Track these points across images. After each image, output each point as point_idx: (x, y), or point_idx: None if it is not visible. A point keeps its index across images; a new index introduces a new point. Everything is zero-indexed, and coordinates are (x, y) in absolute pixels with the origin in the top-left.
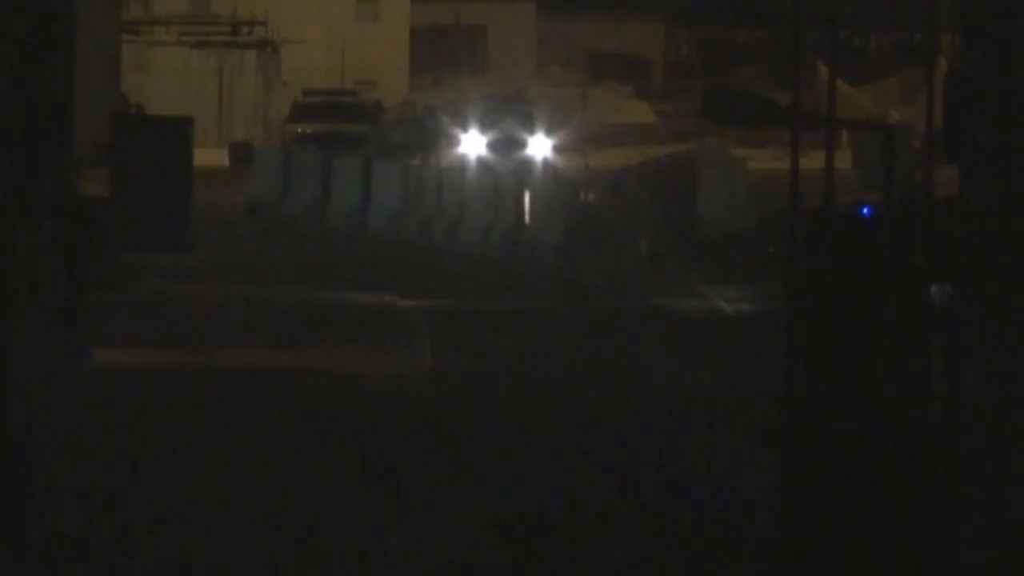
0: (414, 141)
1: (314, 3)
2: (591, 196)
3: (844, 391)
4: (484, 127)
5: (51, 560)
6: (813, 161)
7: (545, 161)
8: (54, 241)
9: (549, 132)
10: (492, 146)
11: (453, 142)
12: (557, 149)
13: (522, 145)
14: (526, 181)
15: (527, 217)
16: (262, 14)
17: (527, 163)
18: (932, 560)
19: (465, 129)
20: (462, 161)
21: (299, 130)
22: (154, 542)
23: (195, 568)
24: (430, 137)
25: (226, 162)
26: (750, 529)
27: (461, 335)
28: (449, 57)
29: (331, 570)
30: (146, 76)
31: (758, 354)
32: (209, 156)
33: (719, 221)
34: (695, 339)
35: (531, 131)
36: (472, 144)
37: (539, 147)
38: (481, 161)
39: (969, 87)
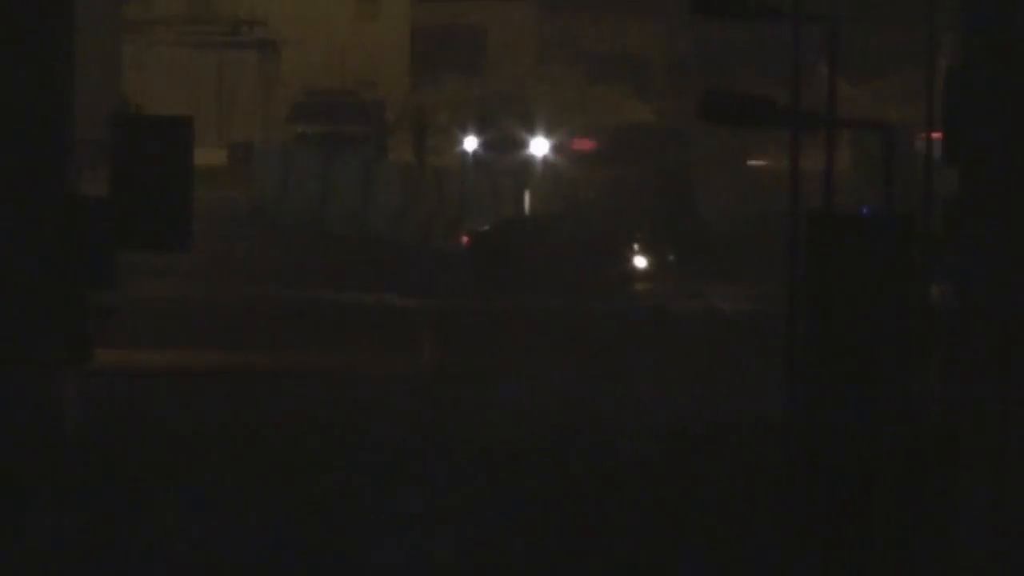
0: (414, 141)
1: (314, 3)
2: (591, 196)
3: (844, 390)
4: (483, 127)
5: (51, 560)
6: (814, 162)
7: (545, 161)
8: (54, 241)
9: (549, 132)
10: (492, 146)
11: (453, 142)
12: (557, 149)
13: (522, 145)
14: (526, 181)
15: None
16: (262, 14)
17: (527, 163)
18: (932, 560)
19: (465, 129)
20: (462, 161)
21: (299, 130)
22: (154, 541)
23: (195, 565)
24: (429, 137)
25: (226, 162)
26: (749, 531)
27: (461, 334)
28: (449, 57)
29: (330, 568)
30: (146, 76)
31: (757, 353)
32: (209, 156)
33: (719, 221)
34: (694, 339)
35: (531, 131)
36: (472, 144)
37: (539, 147)
38: (481, 161)
39: (969, 87)
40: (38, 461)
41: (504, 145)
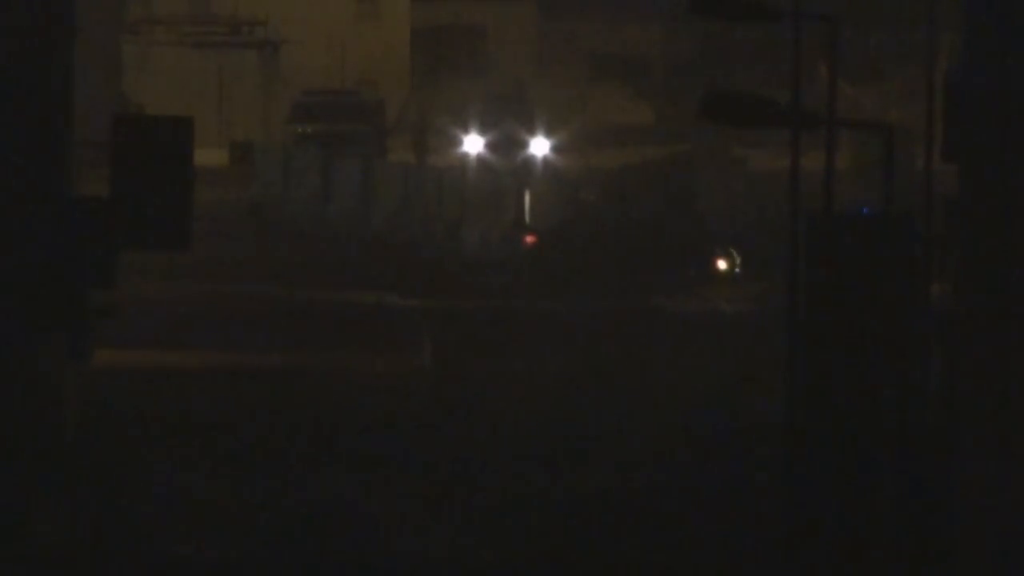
0: (414, 141)
1: (314, 3)
2: (591, 196)
3: (844, 389)
4: (484, 127)
5: (52, 560)
6: (812, 161)
7: (545, 161)
8: (54, 241)
9: (549, 132)
10: (492, 146)
11: (453, 142)
12: (557, 149)
13: (522, 145)
14: (526, 181)
15: (527, 217)
16: (262, 14)
17: (527, 163)
18: (932, 559)
19: (465, 129)
20: (462, 161)
21: (299, 130)
22: (154, 540)
23: (195, 565)
24: (429, 137)
25: (226, 162)
26: (750, 533)
27: (461, 335)
28: (449, 57)
29: (329, 566)
30: (146, 76)
31: (757, 354)
32: (209, 156)
33: (719, 221)
34: (695, 339)
35: (531, 131)
36: (472, 144)
37: (539, 147)
38: (481, 161)
39: (969, 87)
40: (38, 461)
41: (504, 145)
